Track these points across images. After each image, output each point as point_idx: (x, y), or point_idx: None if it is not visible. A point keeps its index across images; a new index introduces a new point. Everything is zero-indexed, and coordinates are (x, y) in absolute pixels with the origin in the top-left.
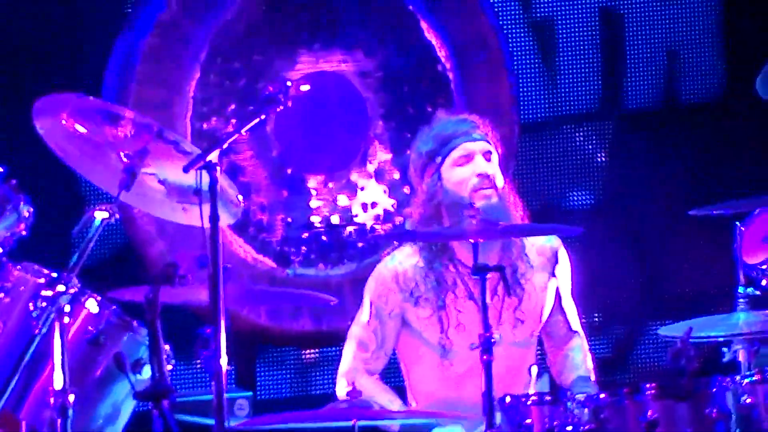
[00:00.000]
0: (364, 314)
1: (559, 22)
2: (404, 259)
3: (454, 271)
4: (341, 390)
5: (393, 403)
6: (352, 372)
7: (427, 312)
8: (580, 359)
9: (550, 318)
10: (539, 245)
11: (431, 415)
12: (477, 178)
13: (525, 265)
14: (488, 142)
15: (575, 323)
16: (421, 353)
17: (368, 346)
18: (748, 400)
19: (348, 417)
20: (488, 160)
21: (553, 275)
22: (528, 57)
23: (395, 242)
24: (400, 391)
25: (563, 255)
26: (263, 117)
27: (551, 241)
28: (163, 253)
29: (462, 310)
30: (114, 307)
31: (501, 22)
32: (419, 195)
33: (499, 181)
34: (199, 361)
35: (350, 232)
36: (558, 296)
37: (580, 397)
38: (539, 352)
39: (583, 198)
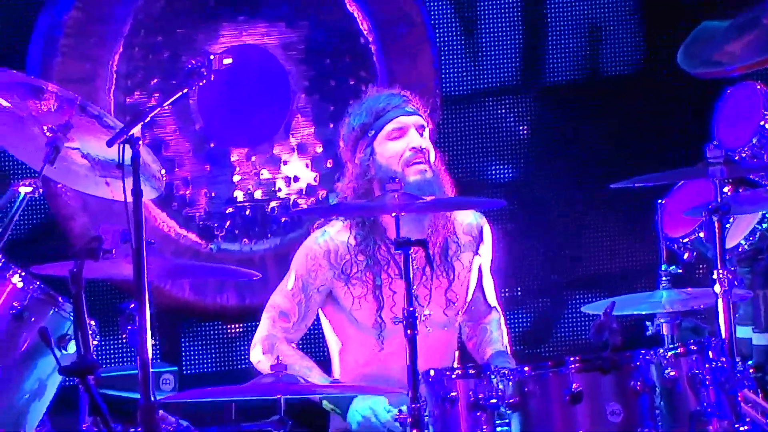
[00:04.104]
0: (289, 285)
1: None
2: (335, 235)
3: (386, 250)
4: (256, 355)
5: (311, 370)
6: (271, 338)
7: (359, 291)
8: (497, 335)
9: (472, 294)
10: (466, 224)
11: (356, 389)
12: (410, 151)
13: (454, 244)
14: (421, 116)
15: (492, 299)
16: (349, 331)
17: (290, 317)
18: (672, 373)
19: (274, 392)
20: (421, 134)
21: (477, 254)
22: (450, 30)
23: (318, 217)
24: (324, 365)
25: (487, 232)
26: (186, 90)
27: (477, 219)
28: (86, 228)
29: (395, 290)
30: (38, 282)
31: None
32: (351, 170)
33: (432, 155)
34: (124, 335)
35: (273, 207)
36: (480, 273)
37: (505, 370)
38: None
39: (505, 171)
